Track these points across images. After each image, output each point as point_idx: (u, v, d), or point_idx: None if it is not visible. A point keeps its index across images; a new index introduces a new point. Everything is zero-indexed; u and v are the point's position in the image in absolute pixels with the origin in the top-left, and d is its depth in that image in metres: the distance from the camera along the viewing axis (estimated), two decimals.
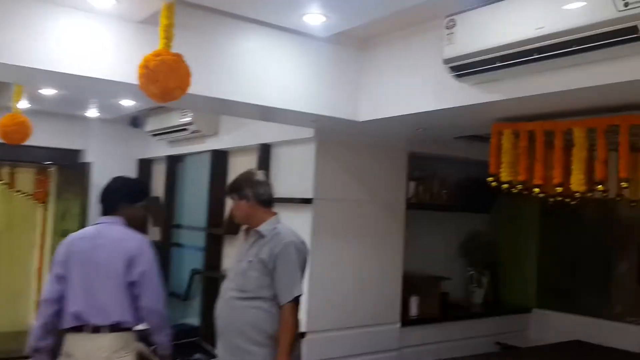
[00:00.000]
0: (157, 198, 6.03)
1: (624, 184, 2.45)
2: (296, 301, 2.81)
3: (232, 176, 4.75)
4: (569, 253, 4.71)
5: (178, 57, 2.25)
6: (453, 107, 2.74)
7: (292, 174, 3.98)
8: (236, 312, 2.84)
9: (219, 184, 4.85)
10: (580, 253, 4.62)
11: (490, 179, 2.96)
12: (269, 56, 2.93)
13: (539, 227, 4.94)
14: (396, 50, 2.98)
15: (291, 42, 2.98)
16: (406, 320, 4.22)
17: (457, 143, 4.28)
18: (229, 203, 4.50)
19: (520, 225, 5.06)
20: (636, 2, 1.86)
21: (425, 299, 4.43)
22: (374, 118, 3.17)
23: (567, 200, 3.09)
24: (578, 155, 2.61)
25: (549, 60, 2.22)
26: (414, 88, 2.89)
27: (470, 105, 2.66)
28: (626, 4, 1.89)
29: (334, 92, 3.15)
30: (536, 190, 2.79)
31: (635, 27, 1.90)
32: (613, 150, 2.56)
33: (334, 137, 3.78)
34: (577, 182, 2.60)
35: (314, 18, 2.76)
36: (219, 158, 4.89)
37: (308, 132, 3.74)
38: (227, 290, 2.91)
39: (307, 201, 3.76)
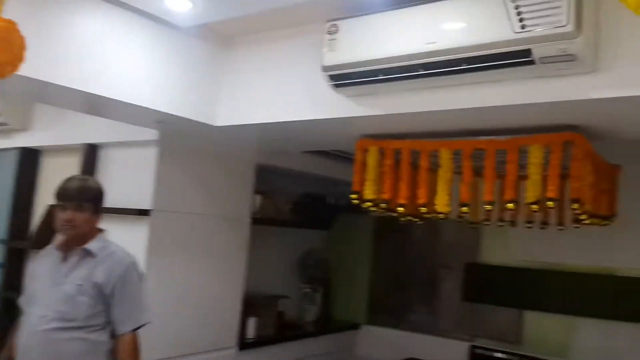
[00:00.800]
0: None
1: (487, 207, 2.50)
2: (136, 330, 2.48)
3: (46, 180, 4.08)
4: (399, 271, 4.85)
5: (11, 25, 1.74)
6: (325, 119, 2.57)
7: (126, 182, 3.46)
8: (56, 345, 2.38)
9: (26, 188, 4.10)
10: (409, 271, 4.79)
11: (353, 196, 2.85)
12: (114, 39, 2.46)
13: (372, 246, 5.03)
14: (268, 52, 2.73)
15: (144, 27, 2.56)
16: (243, 344, 3.93)
17: (304, 157, 4.15)
18: (41, 210, 3.88)
19: (355, 243, 5.10)
20: (533, 25, 1.87)
21: (263, 320, 4.18)
22: (234, 124, 2.87)
23: (416, 219, 3.14)
24: (443, 177, 2.61)
25: (436, 77, 2.17)
26: (284, 95, 2.67)
27: (345, 118, 2.52)
28: (523, 26, 1.89)
29: (188, 90, 2.79)
30: (400, 209, 2.74)
31: (529, 50, 1.91)
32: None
33: (180, 141, 3.37)
34: (442, 203, 2.59)
35: (178, 3, 2.40)
36: (29, 158, 4.13)
37: (150, 134, 3.29)
38: (42, 319, 2.41)
39: (143, 212, 3.29)
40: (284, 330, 4.43)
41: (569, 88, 1.97)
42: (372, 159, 2.81)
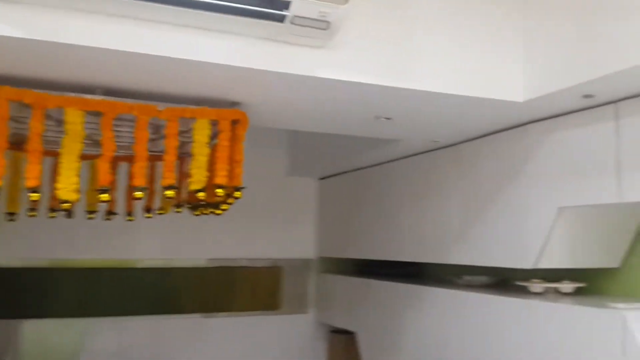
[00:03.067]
0: None
1: (138, 194, 1.84)
2: None
3: None
4: None
5: None
6: None
7: None
8: None
9: None
10: None
11: None
12: None
13: None
14: None
15: None
16: None
17: None
18: None
19: None
20: None
21: None
22: None
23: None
24: (70, 149, 1.77)
25: (146, 3, 1.46)
26: None
27: None
28: None
29: None
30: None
31: (288, 3, 1.54)
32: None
33: None
34: (68, 188, 1.75)
35: None
36: None
37: None
38: None
39: None
40: None
41: (300, 60, 1.71)
42: None
